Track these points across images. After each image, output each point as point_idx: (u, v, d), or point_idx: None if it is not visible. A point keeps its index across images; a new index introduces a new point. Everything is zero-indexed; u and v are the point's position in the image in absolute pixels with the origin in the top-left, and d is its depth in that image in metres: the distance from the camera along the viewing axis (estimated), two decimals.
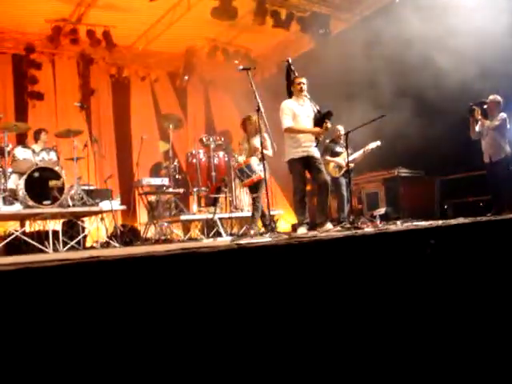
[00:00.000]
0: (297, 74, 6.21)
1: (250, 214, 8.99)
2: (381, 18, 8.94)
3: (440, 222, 4.47)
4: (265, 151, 6.46)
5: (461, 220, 4.82)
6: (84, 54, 11.25)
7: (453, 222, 4.47)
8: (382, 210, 9.00)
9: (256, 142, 6.74)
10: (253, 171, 6.73)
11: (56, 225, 7.53)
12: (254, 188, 6.95)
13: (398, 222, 6.54)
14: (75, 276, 1.87)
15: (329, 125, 6.04)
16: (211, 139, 9.19)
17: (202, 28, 10.72)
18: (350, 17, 10.81)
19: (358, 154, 8.25)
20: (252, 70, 5.57)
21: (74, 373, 1.74)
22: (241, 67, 5.64)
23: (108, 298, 1.88)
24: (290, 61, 6.30)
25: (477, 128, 7.59)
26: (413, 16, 7.79)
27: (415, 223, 5.55)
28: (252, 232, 6.80)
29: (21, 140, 8.52)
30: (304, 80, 6.14)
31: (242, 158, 7.14)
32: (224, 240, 7.00)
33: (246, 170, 6.77)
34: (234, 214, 8.54)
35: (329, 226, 5.92)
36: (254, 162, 6.77)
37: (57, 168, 7.16)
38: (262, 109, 5.49)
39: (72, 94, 11.27)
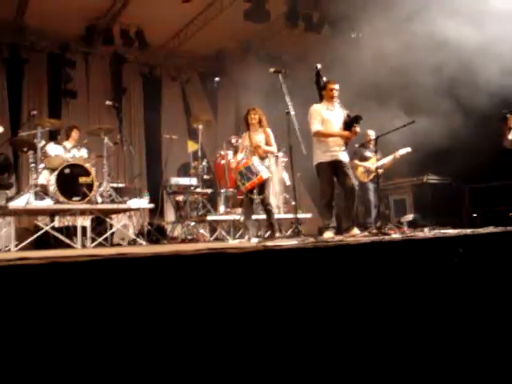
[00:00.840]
0: (325, 79, 6.20)
1: (278, 216, 9.01)
2: (414, 21, 8.85)
3: (469, 231, 4.40)
4: (268, 147, 6.47)
5: (490, 229, 4.74)
6: (117, 53, 11.40)
7: (482, 230, 4.40)
8: (409, 217, 8.90)
9: (258, 137, 6.48)
10: (253, 173, 6.20)
11: (84, 221, 7.63)
12: (258, 190, 6.43)
13: (426, 230, 6.47)
14: (103, 272, 1.89)
15: (358, 129, 6.02)
16: (240, 141, 9.21)
17: (234, 30, 10.76)
18: (380, 21, 10.71)
19: (387, 160, 8.19)
20: (283, 73, 5.57)
21: (101, 366, 1.76)
22: (272, 70, 5.64)
23: (135, 295, 1.90)
24: (319, 67, 6.29)
25: (510, 136, 7.46)
26: (448, 18, 7.67)
27: (443, 231, 5.48)
28: (247, 236, 6.50)
29: (53, 137, 8.65)
30: (337, 86, 6.13)
31: (241, 156, 6.66)
32: (251, 241, 7.00)
33: (245, 173, 6.21)
34: (260, 216, 8.53)
35: (355, 230, 5.89)
36: (255, 161, 6.26)
37: (87, 165, 7.26)
38: (291, 112, 5.49)
39: (104, 92, 11.41)
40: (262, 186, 6.35)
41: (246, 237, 6.51)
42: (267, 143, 6.49)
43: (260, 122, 6.49)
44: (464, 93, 7.49)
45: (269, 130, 6.48)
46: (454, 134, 7.52)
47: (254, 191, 6.37)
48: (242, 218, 6.95)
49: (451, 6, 7.81)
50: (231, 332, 2.07)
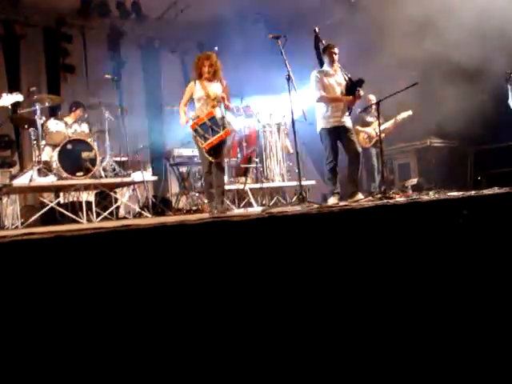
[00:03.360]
0: (324, 43, 6.13)
1: (281, 184, 9.03)
2: None
3: (473, 192, 4.39)
4: (227, 103, 5.75)
5: (495, 190, 4.73)
6: (114, 26, 11.26)
7: (486, 192, 4.38)
8: (413, 181, 8.89)
9: (216, 88, 5.69)
10: (219, 125, 5.41)
11: (89, 196, 7.65)
12: (219, 148, 5.57)
13: (431, 193, 6.46)
14: (109, 244, 1.90)
15: (361, 92, 5.98)
16: (241, 109, 9.15)
17: None
18: None
19: (388, 124, 8.14)
20: (282, 39, 5.50)
21: (112, 338, 1.78)
22: (271, 35, 5.57)
23: (140, 266, 1.91)
24: (318, 30, 6.22)
25: None
26: None
27: (448, 194, 5.47)
28: (215, 211, 5.50)
29: (54, 113, 8.61)
30: (336, 49, 6.06)
31: (194, 114, 5.66)
32: (255, 210, 7.01)
33: (210, 125, 5.37)
34: (264, 185, 8.54)
35: (360, 196, 5.89)
36: (219, 113, 5.57)
37: (89, 140, 7.25)
38: (292, 77, 5.43)
39: (103, 66, 11.29)
40: (220, 145, 5.59)
41: (214, 210, 5.56)
42: (227, 98, 5.75)
43: (215, 72, 5.73)
44: (467, 53, 7.39)
45: (225, 83, 5.85)
46: (457, 96, 7.44)
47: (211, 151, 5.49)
48: (204, 188, 6.00)
49: None
50: (237, 301, 2.08)
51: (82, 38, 11.31)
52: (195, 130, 5.41)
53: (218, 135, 5.38)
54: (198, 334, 1.95)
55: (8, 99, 5.99)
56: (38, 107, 7.12)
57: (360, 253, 2.57)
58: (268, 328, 2.12)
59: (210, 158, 5.47)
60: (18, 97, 6.09)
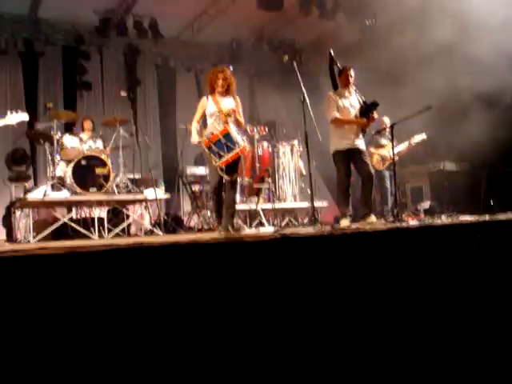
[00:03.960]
0: (339, 65, 6.15)
1: (293, 204, 9.01)
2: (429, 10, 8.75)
3: (487, 217, 4.36)
4: (240, 118, 5.55)
5: (509, 215, 4.70)
6: (131, 44, 11.42)
7: (500, 216, 4.36)
8: (426, 204, 8.84)
9: (228, 103, 5.44)
10: (234, 142, 5.09)
11: (101, 212, 7.68)
12: (233, 165, 5.31)
13: (443, 217, 6.42)
14: (120, 261, 1.90)
15: (375, 115, 5.98)
16: (255, 130, 9.19)
17: (247, 19, 10.72)
18: (396, 7, 10.59)
19: (402, 147, 8.12)
20: (297, 61, 5.53)
21: (121, 349, 1.77)
22: (286, 58, 5.61)
23: (152, 284, 1.91)
24: (333, 53, 6.24)
25: None
26: (467, 4, 7.55)
27: (461, 217, 5.43)
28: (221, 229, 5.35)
29: (69, 129, 8.70)
30: (352, 71, 6.08)
31: (212, 126, 5.37)
32: (267, 230, 6.99)
33: (225, 142, 5.07)
34: (276, 205, 8.53)
35: (373, 218, 5.86)
36: (233, 129, 5.24)
37: (103, 156, 7.30)
38: (307, 100, 5.45)
39: (119, 84, 11.45)
40: (235, 163, 5.34)
41: (220, 229, 5.40)
42: (238, 113, 5.53)
43: (229, 87, 5.49)
44: (481, 79, 7.39)
45: (238, 99, 5.62)
46: (470, 120, 7.43)
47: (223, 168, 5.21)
48: (212, 207, 5.64)
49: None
50: (249, 320, 2.07)
51: (100, 55, 11.48)
52: (209, 148, 5.11)
53: (234, 152, 5.09)
54: (210, 353, 1.94)
55: (13, 118, 5.79)
56: (54, 123, 7.20)
57: (372, 276, 2.56)
58: (281, 348, 2.10)
59: (225, 176, 5.23)
60: (23, 116, 5.91)
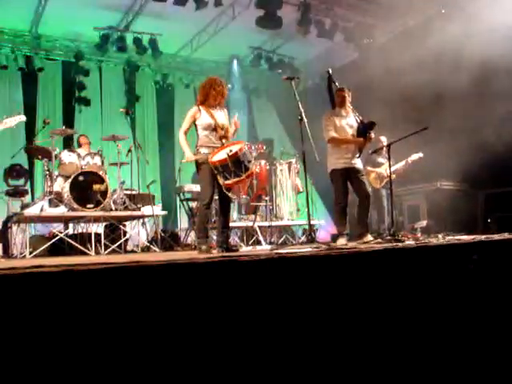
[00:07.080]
0: (338, 85, 6.18)
1: (290, 222, 9.02)
2: (425, 29, 8.85)
3: (483, 237, 4.37)
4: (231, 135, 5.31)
5: (505, 235, 4.71)
6: (130, 61, 11.51)
7: (497, 237, 4.36)
8: (423, 223, 8.85)
9: (222, 117, 5.20)
10: (241, 168, 4.74)
11: (98, 228, 7.67)
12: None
13: (440, 236, 6.42)
14: (117, 280, 1.90)
15: (372, 135, 6.00)
16: (253, 147, 9.22)
17: (247, 37, 10.83)
18: (394, 27, 10.71)
19: (399, 165, 8.16)
20: (295, 80, 5.55)
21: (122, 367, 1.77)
22: (284, 77, 5.63)
23: (148, 303, 1.91)
24: (331, 72, 6.27)
25: None
26: (458, 26, 7.65)
27: (457, 237, 5.44)
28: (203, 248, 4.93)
29: (67, 144, 8.72)
30: (346, 92, 6.11)
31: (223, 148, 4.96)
32: (263, 248, 6.99)
33: (243, 160, 4.74)
34: (273, 223, 8.54)
35: (369, 237, 5.86)
36: (242, 153, 4.84)
37: (101, 172, 7.31)
38: (304, 118, 5.46)
39: (117, 100, 11.51)
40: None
41: (203, 247, 4.98)
42: (230, 125, 5.32)
43: (221, 99, 5.21)
44: (474, 98, 7.46)
45: (226, 110, 5.37)
46: (467, 139, 7.47)
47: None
48: (198, 222, 5.26)
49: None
50: (245, 338, 2.07)
51: (99, 71, 11.57)
52: (215, 168, 4.76)
53: (240, 179, 4.78)
54: (208, 372, 1.93)
55: (11, 121, 5.74)
56: (52, 138, 7.22)
57: (368, 296, 2.56)
58: (279, 368, 2.10)
59: (230, 194, 5.02)
60: (21, 117, 5.76)
